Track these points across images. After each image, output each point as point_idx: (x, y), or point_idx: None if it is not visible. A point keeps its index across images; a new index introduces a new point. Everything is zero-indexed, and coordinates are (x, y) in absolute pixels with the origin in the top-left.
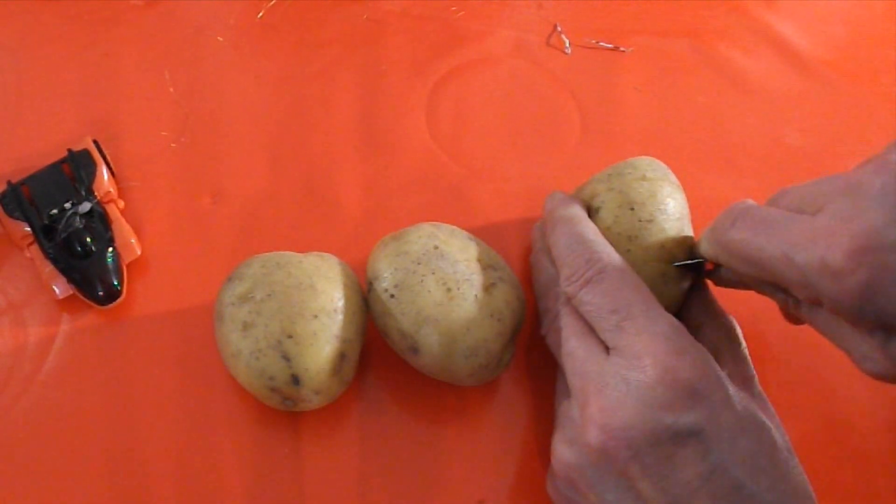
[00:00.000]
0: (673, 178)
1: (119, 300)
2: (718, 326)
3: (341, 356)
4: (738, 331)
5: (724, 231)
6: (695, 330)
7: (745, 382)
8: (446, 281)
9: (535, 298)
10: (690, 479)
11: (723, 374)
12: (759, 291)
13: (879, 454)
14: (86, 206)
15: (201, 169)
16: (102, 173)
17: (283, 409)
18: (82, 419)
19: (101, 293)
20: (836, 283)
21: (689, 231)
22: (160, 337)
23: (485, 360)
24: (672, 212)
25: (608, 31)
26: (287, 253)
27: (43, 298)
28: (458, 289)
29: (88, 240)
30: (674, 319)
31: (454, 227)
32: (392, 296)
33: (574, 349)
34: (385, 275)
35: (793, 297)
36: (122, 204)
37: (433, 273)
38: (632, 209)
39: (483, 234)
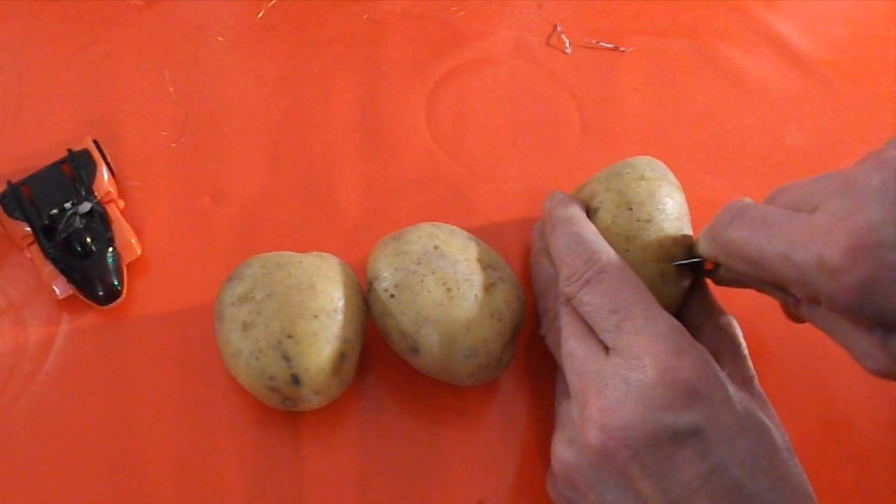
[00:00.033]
0: (672, 177)
1: (119, 300)
2: (718, 326)
3: (341, 356)
4: (738, 331)
5: (722, 230)
6: (695, 330)
7: (745, 382)
8: (446, 281)
9: (535, 298)
10: (690, 479)
11: (723, 374)
12: (759, 290)
13: (879, 454)
14: (86, 206)
15: (201, 169)
16: (102, 173)
17: (283, 409)
18: (82, 419)
19: (101, 293)
20: (833, 280)
21: (688, 231)
22: (160, 337)
23: (485, 360)
24: (670, 211)
25: (608, 31)
26: (287, 253)
27: (43, 298)
28: (458, 289)
29: (88, 240)
30: (673, 319)
31: (454, 227)
32: (392, 296)
33: (574, 349)
34: (385, 275)
35: (792, 295)
36: (122, 204)
37: (433, 273)
38: (630, 209)
39: (483, 234)
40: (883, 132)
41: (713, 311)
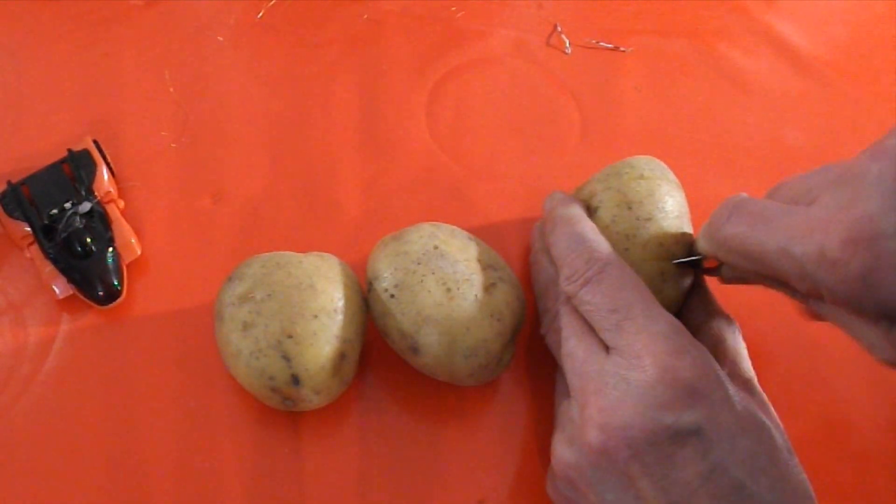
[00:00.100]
0: (671, 176)
1: (119, 300)
2: (718, 326)
3: (341, 356)
4: (738, 331)
5: (720, 226)
6: (695, 330)
7: (745, 382)
8: (446, 281)
9: (535, 298)
10: (690, 479)
11: (723, 374)
12: (766, 286)
13: (879, 454)
14: (86, 206)
15: (201, 169)
16: (102, 173)
17: (283, 409)
18: (82, 419)
19: (101, 293)
20: (833, 273)
21: (688, 229)
22: (160, 337)
23: (485, 360)
24: (670, 210)
25: (608, 31)
26: (287, 253)
27: (43, 298)
28: (458, 289)
29: (88, 240)
30: (674, 319)
31: (454, 227)
32: (392, 296)
33: (574, 349)
34: (385, 275)
35: (794, 290)
36: (122, 204)
37: (433, 273)
38: (630, 208)
39: (483, 234)
40: (883, 132)
41: (713, 311)
